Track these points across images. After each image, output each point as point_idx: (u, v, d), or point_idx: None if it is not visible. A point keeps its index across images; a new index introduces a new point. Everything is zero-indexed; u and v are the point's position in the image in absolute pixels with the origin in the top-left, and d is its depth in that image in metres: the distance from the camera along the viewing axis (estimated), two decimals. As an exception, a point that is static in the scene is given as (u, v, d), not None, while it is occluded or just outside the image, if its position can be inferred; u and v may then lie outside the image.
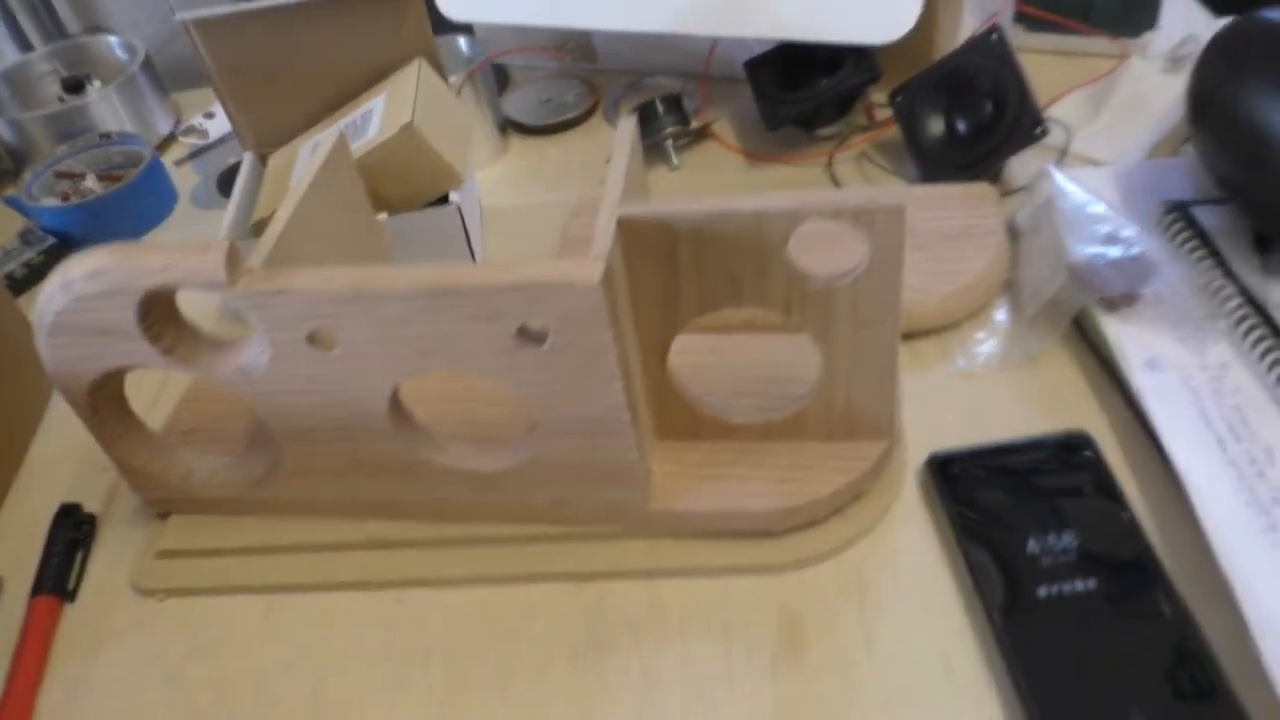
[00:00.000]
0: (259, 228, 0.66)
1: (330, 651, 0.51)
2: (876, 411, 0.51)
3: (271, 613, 0.53)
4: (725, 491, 0.51)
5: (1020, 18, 0.82)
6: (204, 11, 0.64)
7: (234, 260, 0.44)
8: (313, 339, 0.45)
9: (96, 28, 2.03)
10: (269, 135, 0.71)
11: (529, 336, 0.44)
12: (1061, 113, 0.74)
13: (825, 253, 0.46)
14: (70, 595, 0.55)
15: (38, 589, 0.54)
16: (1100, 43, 0.79)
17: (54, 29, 1.94)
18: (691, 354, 0.57)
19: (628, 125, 0.49)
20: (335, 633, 0.52)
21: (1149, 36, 0.78)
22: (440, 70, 0.69)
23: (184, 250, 0.44)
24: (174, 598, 0.54)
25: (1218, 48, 0.59)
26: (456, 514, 0.53)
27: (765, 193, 0.72)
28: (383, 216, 0.64)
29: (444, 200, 0.65)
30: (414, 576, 0.53)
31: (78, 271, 0.45)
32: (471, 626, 0.51)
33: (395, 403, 0.48)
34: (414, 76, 0.65)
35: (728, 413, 0.52)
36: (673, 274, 0.46)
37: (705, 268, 0.46)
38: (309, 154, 0.67)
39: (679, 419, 0.53)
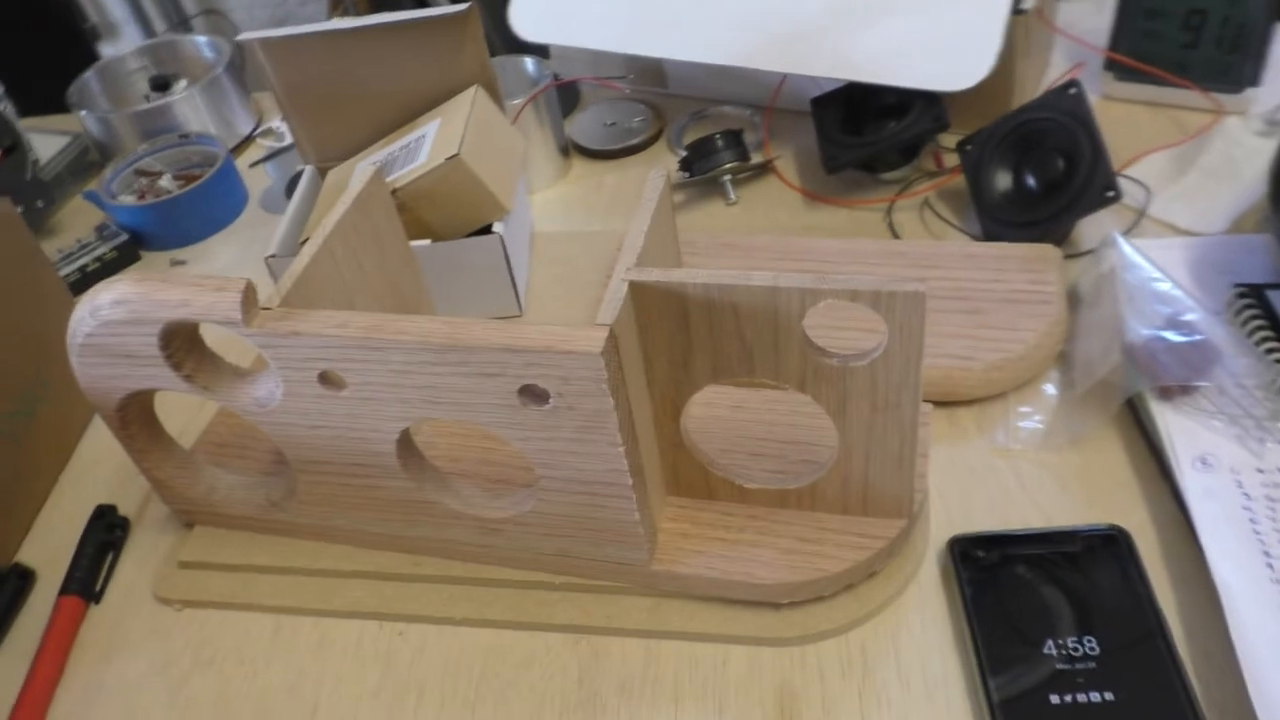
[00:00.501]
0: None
1: (330, 679, 0.52)
2: (895, 490, 0.49)
3: (280, 632, 0.54)
4: (732, 558, 0.50)
5: (1111, 65, 0.77)
6: (271, 32, 0.65)
7: (249, 300, 0.44)
8: (324, 379, 0.46)
9: (212, 10, 2.10)
10: (329, 151, 0.72)
11: (532, 395, 0.43)
12: (1143, 171, 0.70)
13: (847, 328, 0.45)
14: (96, 597, 0.57)
15: (65, 589, 0.56)
16: (1194, 97, 0.75)
17: (175, 12, 2.02)
18: (716, 407, 0.56)
19: (656, 183, 0.48)
20: (337, 660, 0.52)
21: (1250, 94, 0.74)
22: (497, 95, 0.69)
23: (202, 287, 0.45)
24: (190, 608, 0.56)
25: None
26: (463, 554, 0.53)
27: (819, 236, 0.71)
28: (426, 243, 0.64)
29: (488, 229, 0.65)
30: (418, 612, 0.53)
31: (105, 298, 0.46)
32: (469, 669, 0.51)
33: (405, 443, 0.49)
34: (468, 104, 0.65)
35: (742, 477, 0.51)
36: (685, 339, 0.45)
37: (719, 335, 0.45)
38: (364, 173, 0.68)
39: (692, 477, 0.52)
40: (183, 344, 0.48)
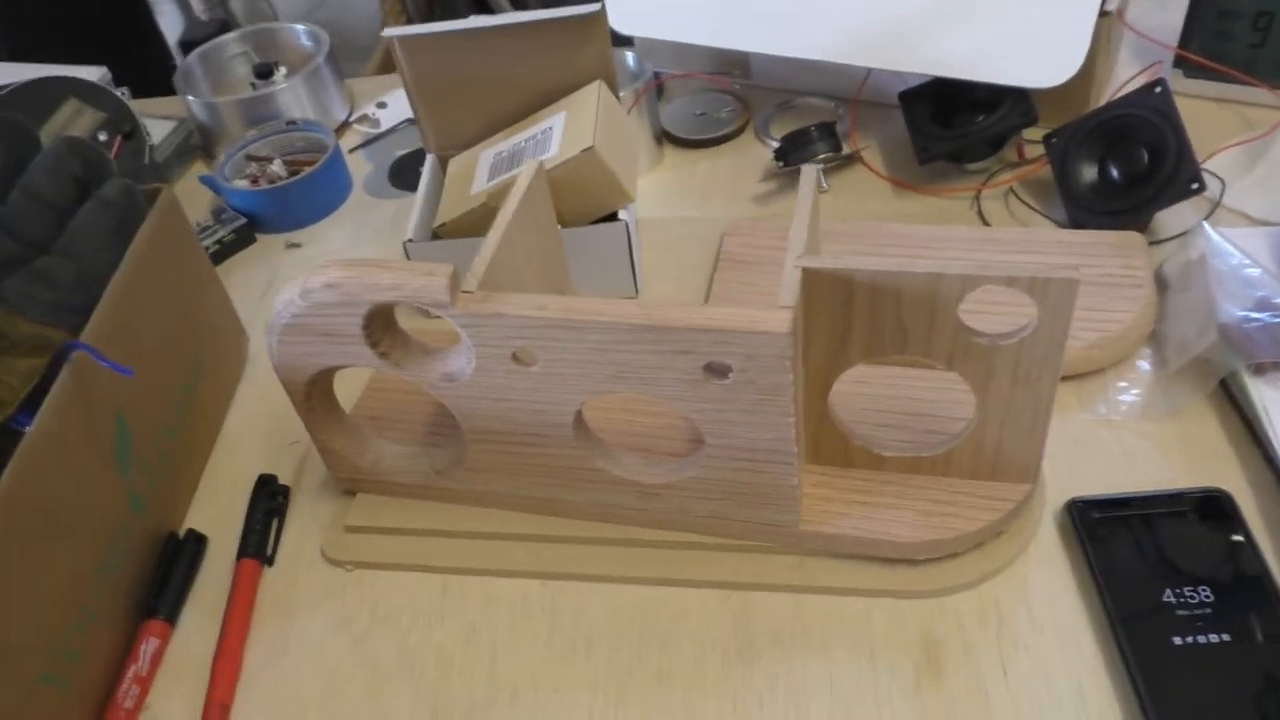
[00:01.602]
0: (442, 229, 0.71)
1: (501, 632, 0.56)
2: (1024, 458, 0.54)
3: (448, 590, 0.59)
4: (873, 519, 0.55)
5: (1179, 62, 0.82)
6: (410, 29, 0.69)
7: (455, 284, 0.49)
8: (516, 356, 0.50)
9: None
10: (450, 140, 0.76)
11: (715, 370, 0.48)
12: (1216, 164, 0.75)
13: (994, 308, 0.49)
14: (270, 560, 0.61)
15: (243, 553, 0.61)
16: (1261, 93, 0.80)
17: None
18: (842, 382, 0.61)
19: (810, 174, 0.53)
20: (506, 615, 0.57)
21: (1313, 90, 0.79)
22: (615, 89, 0.73)
23: (413, 272, 0.49)
24: (360, 569, 0.61)
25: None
26: (619, 517, 0.58)
27: (910, 223, 0.75)
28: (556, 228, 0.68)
29: (613, 217, 0.70)
30: (577, 570, 0.58)
31: (317, 281, 0.50)
32: (629, 621, 0.56)
33: (579, 416, 0.53)
34: (594, 98, 0.69)
35: (880, 445, 0.56)
36: (845, 320, 0.50)
37: (877, 318, 0.49)
38: (489, 161, 0.72)
39: (832, 447, 0.57)
40: (381, 324, 0.52)
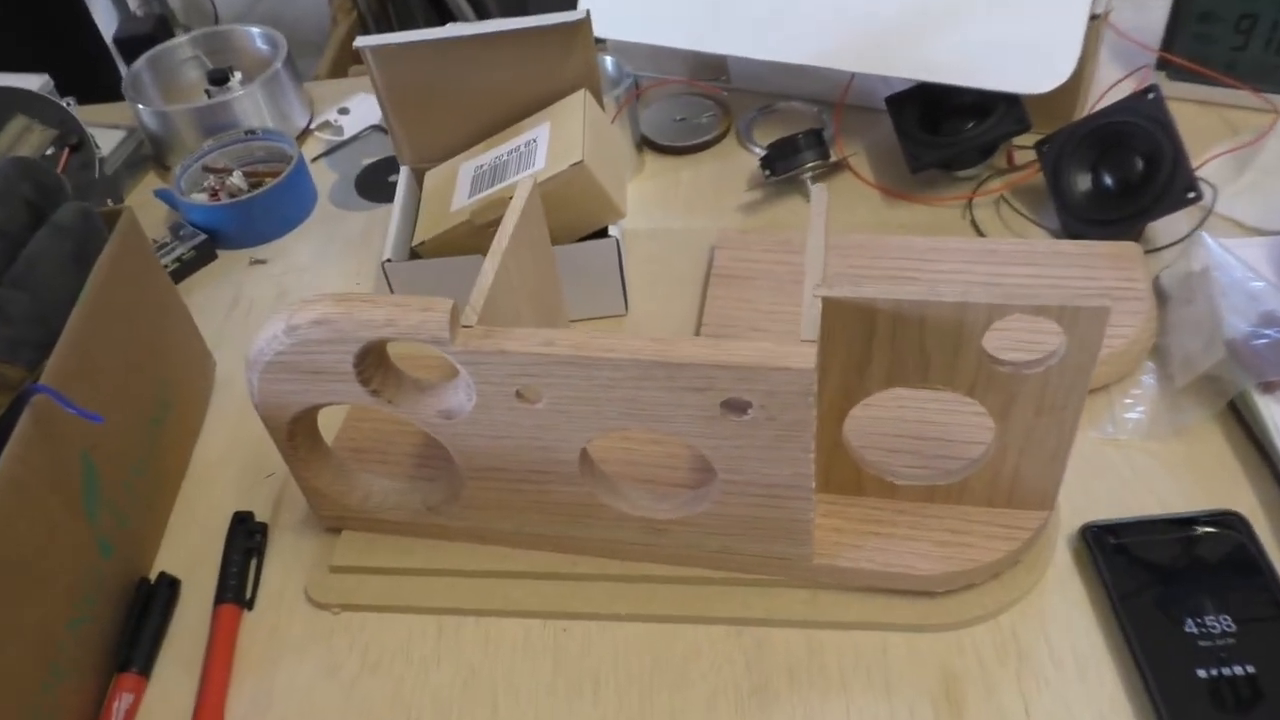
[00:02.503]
0: (421, 248, 0.68)
1: (502, 675, 0.54)
2: (1043, 485, 0.52)
3: (444, 632, 0.56)
4: (888, 551, 0.53)
5: (1162, 65, 0.82)
6: (383, 39, 0.65)
7: (455, 319, 0.46)
8: (520, 394, 0.47)
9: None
10: (426, 152, 0.73)
11: (734, 407, 0.46)
12: (1207, 171, 0.74)
13: (1018, 336, 0.48)
14: (249, 603, 0.58)
15: (221, 598, 0.57)
16: (1244, 96, 0.79)
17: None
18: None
19: (821, 197, 0.51)
20: (507, 657, 0.54)
21: (1296, 94, 0.78)
22: (600, 97, 0.70)
23: (408, 307, 0.46)
24: (348, 611, 0.57)
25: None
26: (625, 553, 0.55)
27: (900, 234, 0.74)
28: (545, 246, 0.65)
29: (603, 232, 0.67)
30: (580, 609, 0.55)
31: (304, 317, 0.47)
32: (637, 661, 0.53)
33: (585, 453, 0.51)
34: (579, 109, 0.66)
35: (893, 474, 0.54)
36: (865, 350, 0.48)
37: (899, 347, 0.47)
38: (469, 175, 0.69)
39: (844, 475, 0.55)
40: (374, 360, 0.49)
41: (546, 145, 0.66)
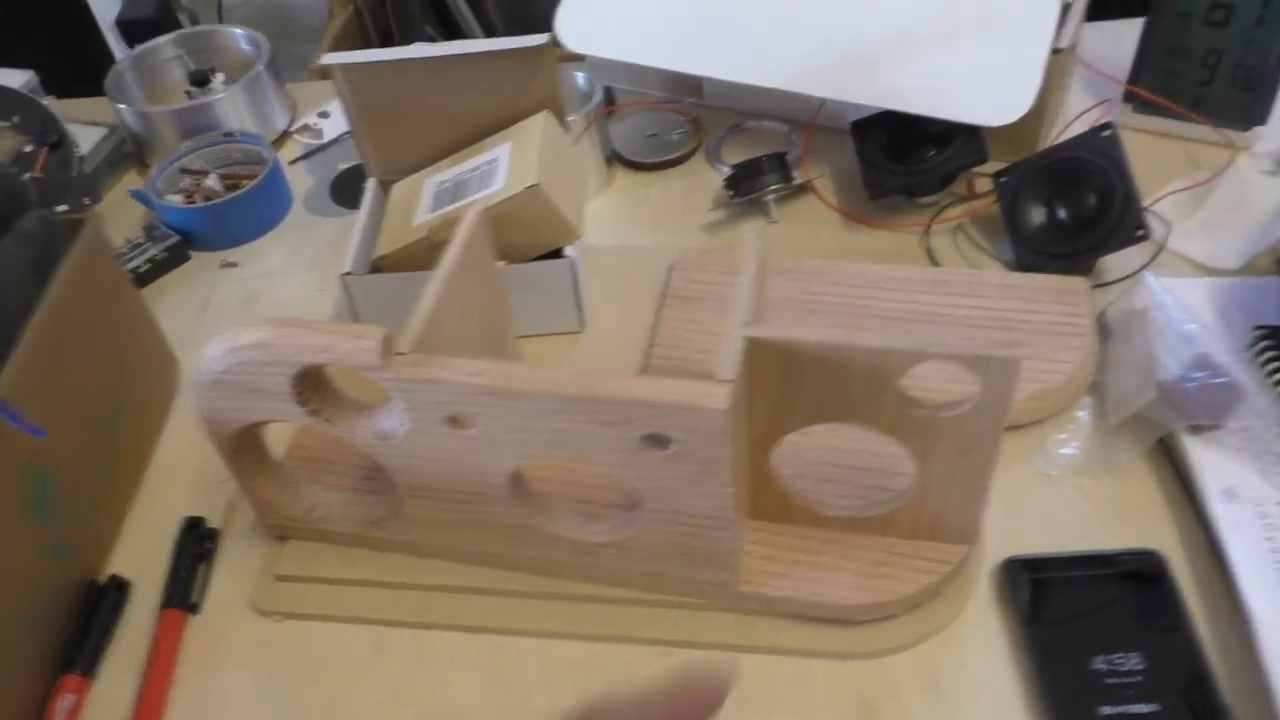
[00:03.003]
0: (382, 262, 0.69)
1: (434, 689, 0.55)
2: (964, 522, 0.54)
3: (380, 644, 0.57)
4: (813, 580, 0.54)
5: (1129, 97, 0.82)
6: (352, 56, 0.67)
7: (388, 347, 0.47)
8: (452, 420, 0.49)
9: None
10: (394, 166, 0.74)
11: (655, 442, 0.47)
12: (1162, 206, 0.75)
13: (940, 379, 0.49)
14: (195, 608, 0.60)
15: (167, 602, 0.59)
16: (1205, 131, 0.80)
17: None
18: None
19: (754, 239, 0.52)
20: (439, 672, 0.56)
21: (1257, 131, 0.79)
22: (562, 118, 0.71)
23: (343, 334, 0.47)
24: (290, 620, 0.59)
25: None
26: (557, 572, 0.57)
27: (859, 259, 0.75)
28: (500, 265, 0.67)
29: (558, 252, 0.68)
30: (513, 626, 0.57)
31: (245, 340, 0.48)
32: (567, 679, 0.55)
33: (517, 476, 0.52)
34: (539, 130, 0.68)
35: (821, 505, 0.56)
36: (789, 389, 0.49)
37: (821, 386, 0.49)
38: (433, 190, 0.70)
39: (773, 503, 0.56)
40: (312, 382, 0.51)
41: (507, 165, 0.67)
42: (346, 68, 0.67)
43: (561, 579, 0.57)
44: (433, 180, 0.71)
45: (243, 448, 0.55)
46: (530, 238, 0.67)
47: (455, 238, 0.54)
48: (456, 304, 0.54)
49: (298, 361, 0.48)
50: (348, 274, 0.68)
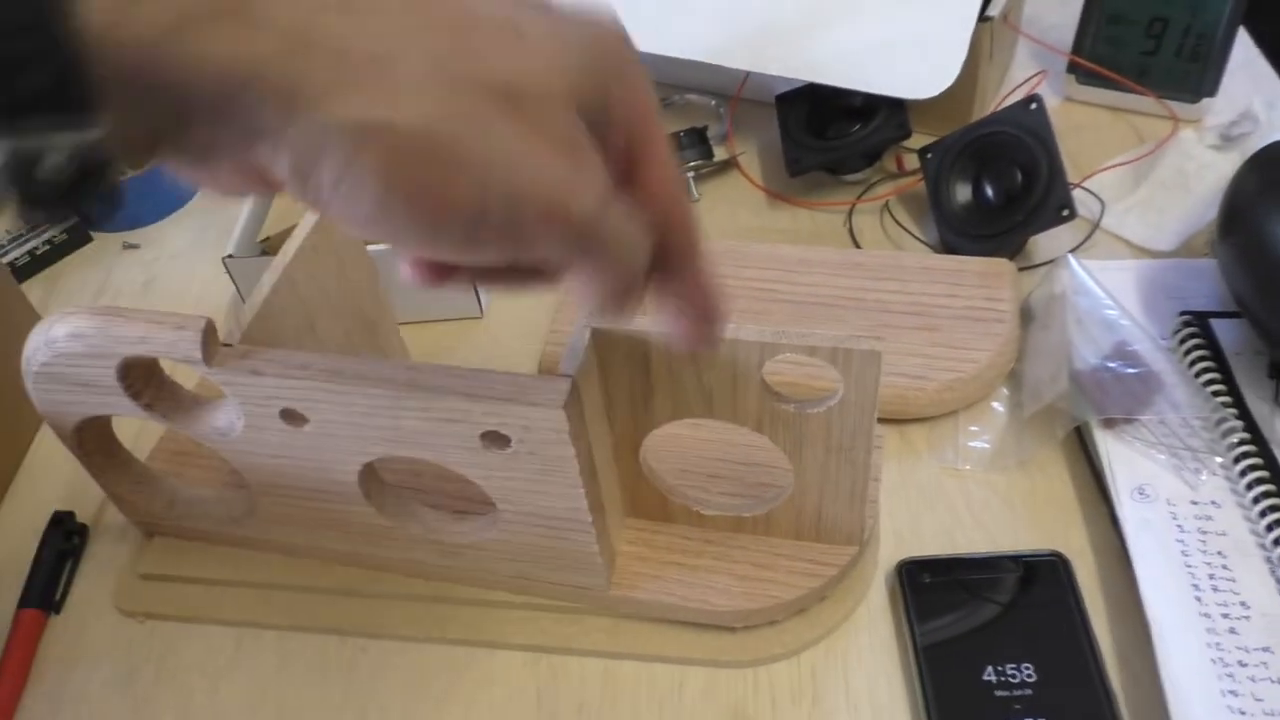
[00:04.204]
0: (268, 244, 0.66)
1: (292, 694, 0.52)
2: (847, 522, 0.50)
3: (242, 646, 0.55)
4: (689, 584, 0.51)
5: (1073, 68, 0.78)
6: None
7: (210, 338, 0.44)
8: (286, 415, 0.46)
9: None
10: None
11: (494, 440, 0.44)
12: (1098, 182, 0.71)
13: (803, 374, 0.46)
14: (56, 607, 0.57)
15: (24, 601, 0.56)
16: (1153, 103, 0.76)
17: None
18: (676, 425, 0.57)
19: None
20: (300, 676, 0.53)
21: (1206, 104, 0.75)
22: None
23: (162, 324, 0.44)
24: (152, 620, 0.56)
25: (1260, 161, 0.56)
26: (424, 573, 0.54)
27: (779, 240, 0.71)
28: (385, 246, 0.63)
29: (449, 234, 0.65)
30: (379, 629, 0.54)
31: (60, 330, 0.45)
32: (429, 686, 0.52)
33: (367, 473, 0.49)
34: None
35: (700, 503, 0.52)
36: (646, 382, 0.46)
37: (678, 380, 0.45)
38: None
39: (650, 501, 0.53)
40: (142, 374, 0.47)
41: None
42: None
43: (429, 579, 0.54)
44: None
45: (88, 441, 0.52)
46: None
47: (305, 219, 0.51)
48: (308, 290, 0.51)
49: (117, 353, 0.45)
50: (229, 257, 0.65)
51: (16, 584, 0.58)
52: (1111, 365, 0.56)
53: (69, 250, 0.79)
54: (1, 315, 0.64)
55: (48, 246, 0.78)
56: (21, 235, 0.78)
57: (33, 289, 0.77)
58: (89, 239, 0.80)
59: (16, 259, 0.77)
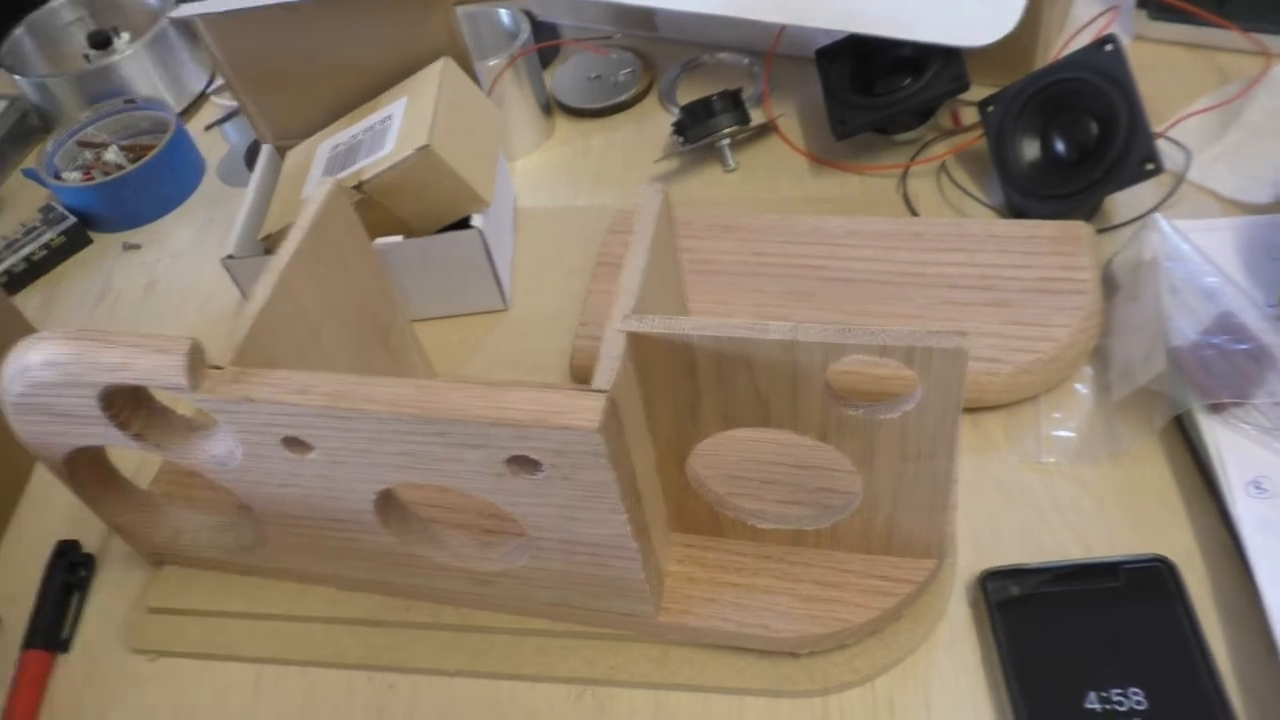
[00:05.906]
0: (269, 242, 0.61)
1: (317, 739, 0.48)
2: (925, 535, 0.45)
3: (262, 683, 0.50)
4: (744, 606, 0.46)
5: (1144, 3, 0.70)
6: (214, 7, 0.57)
7: (196, 361, 0.39)
8: (288, 443, 0.41)
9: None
10: (286, 128, 0.65)
11: (523, 464, 0.38)
12: (1182, 130, 0.64)
13: (873, 375, 0.40)
14: (64, 645, 0.53)
15: (30, 642, 0.52)
16: (1235, 38, 0.68)
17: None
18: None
19: (651, 203, 0.42)
20: (326, 716, 0.49)
21: (1297, 35, 0.67)
22: (468, 65, 0.62)
23: (143, 347, 0.39)
24: (165, 658, 0.52)
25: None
26: (455, 600, 0.49)
27: (824, 210, 0.65)
28: (398, 239, 0.58)
29: (466, 221, 0.59)
30: (409, 663, 0.49)
31: (34, 358, 0.41)
32: (466, 725, 0.47)
33: (385, 500, 0.44)
34: (435, 81, 0.58)
35: (754, 517, 0.47)
36: (692, 388, 0.40)
37: (729, 386, 0.40)
38: (326, 155, 0.62)
39: (699, 515, 0.47)
40: (128, 402, 0.43)
41: (400, 123, 0.58)
42: (208, 20, 0.58)
43: (460, 607, 0.49)
44: (326, 144, 0.62)
45: (80, 472, 0.48)
46: (430, 206, 0.58)
47: (296, 224, 0.46)
48: (309, 297, 0.46)
49: (96, 382, 0.40)
50: (229, 258, 0.59)
51: (25, 615, 0.54)
52: (1215, 340, 0.49)
53: (68, 254, 0.74)
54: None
55: (45, 252, 0.73)
56: (17, 240, 0.73)
57: (32, 296, 0.73)
58: (88, 241, 0.75)
59: (13, 265, 0.72)
